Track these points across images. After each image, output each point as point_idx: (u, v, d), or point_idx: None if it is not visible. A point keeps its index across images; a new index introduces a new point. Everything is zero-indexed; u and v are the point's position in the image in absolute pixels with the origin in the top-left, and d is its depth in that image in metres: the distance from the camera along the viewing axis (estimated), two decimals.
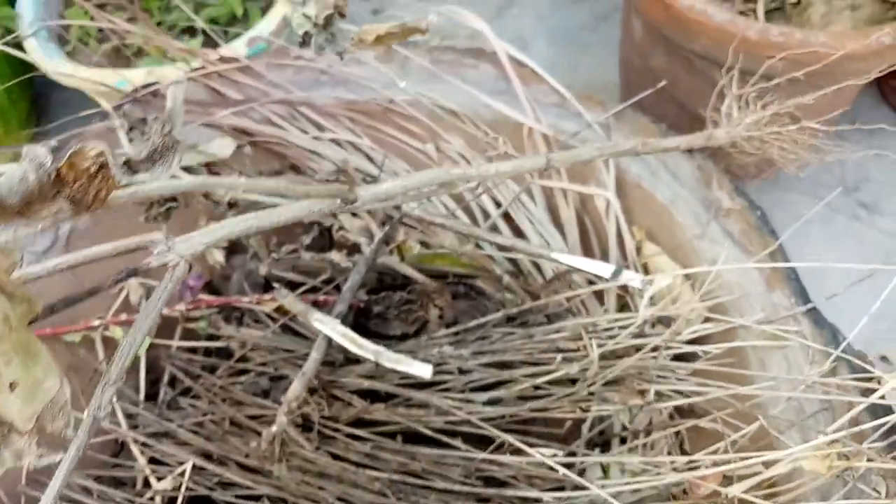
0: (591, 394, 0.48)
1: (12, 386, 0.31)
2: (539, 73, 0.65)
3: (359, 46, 0.49)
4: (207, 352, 0.67)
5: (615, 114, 0.62)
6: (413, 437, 0.54)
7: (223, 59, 0.68)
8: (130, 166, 0.30)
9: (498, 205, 0.69)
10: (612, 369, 0.47)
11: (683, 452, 0.53)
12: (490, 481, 0.50)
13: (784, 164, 0.59)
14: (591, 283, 0.64)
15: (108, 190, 0.30)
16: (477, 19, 0.66)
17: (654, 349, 0.49)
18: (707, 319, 0.53)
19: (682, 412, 0.56)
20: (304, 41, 0.49)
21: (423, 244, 0.68)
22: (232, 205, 0.61)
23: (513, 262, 0.68)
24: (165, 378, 0.66)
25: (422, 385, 0.55)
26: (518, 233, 0.68)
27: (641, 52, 0.85)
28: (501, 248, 0.66)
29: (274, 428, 0.54)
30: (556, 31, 1.18)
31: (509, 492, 0.47)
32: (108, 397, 0.36)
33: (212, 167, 0.58)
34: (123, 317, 0.65)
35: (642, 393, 0.46)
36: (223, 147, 0.56)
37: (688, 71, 0.79)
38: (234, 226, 0.39)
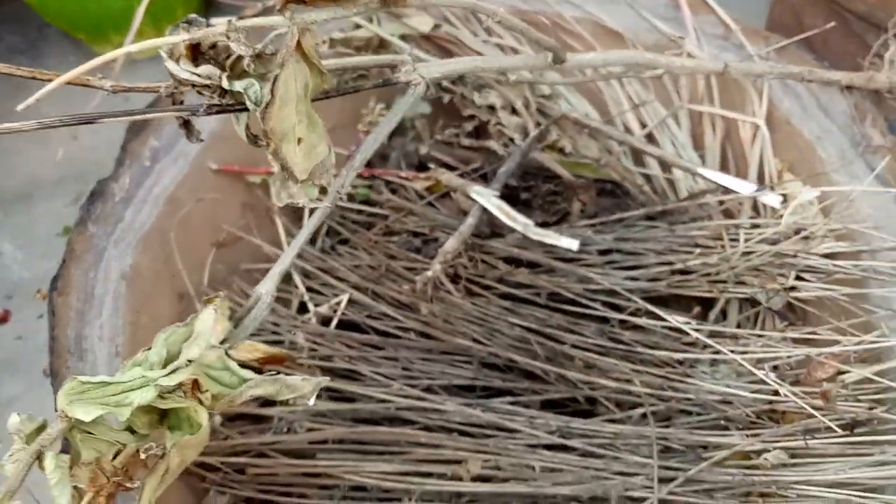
0: (727, 280, 0.53)
1: (299, 141, 0.39)
2: (709, 4, 0.69)
3: None
4: (359, 214, 0.75)
5: (778, 49, 0.65)
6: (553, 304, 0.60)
7: None
8: None
9: (643, 125, 0.74)
10: (751, 256, 0.52)
11: None
12: (618, 343, 0.56)
13: None
14: (725, 211, 0.68)
15: None
16: None
17: (793, 255, 0.54)
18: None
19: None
20: None
21: (564, 153, 0.74)
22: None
23: (648, 178, 0.73)
24: (324, 230, 0.74)
25: (565, 259, 0.61)
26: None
27: (796, 11, 0.87)
28: (637, 158, 0.71)
29: (429, 273, 0.62)
30: None
31: (640, 349, 0.53)
32: (351, 178, 0.44)
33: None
34: None
35: (781, 282, 0.51)
36: (422, 23, 0.63)
37: (843, 33, 0.81)
38: (467, 63, 0.46)
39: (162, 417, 0.35)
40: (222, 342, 0.39)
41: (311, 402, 0.38)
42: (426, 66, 0.44)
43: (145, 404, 0.32)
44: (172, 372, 0.32)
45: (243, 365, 0.37)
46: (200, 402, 0.36)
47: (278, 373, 0.38)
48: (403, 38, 0.65)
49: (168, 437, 0.34)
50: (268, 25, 0.38)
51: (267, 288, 0.42)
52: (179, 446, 0.33)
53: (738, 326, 0.64)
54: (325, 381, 0.38)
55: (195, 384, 0.36)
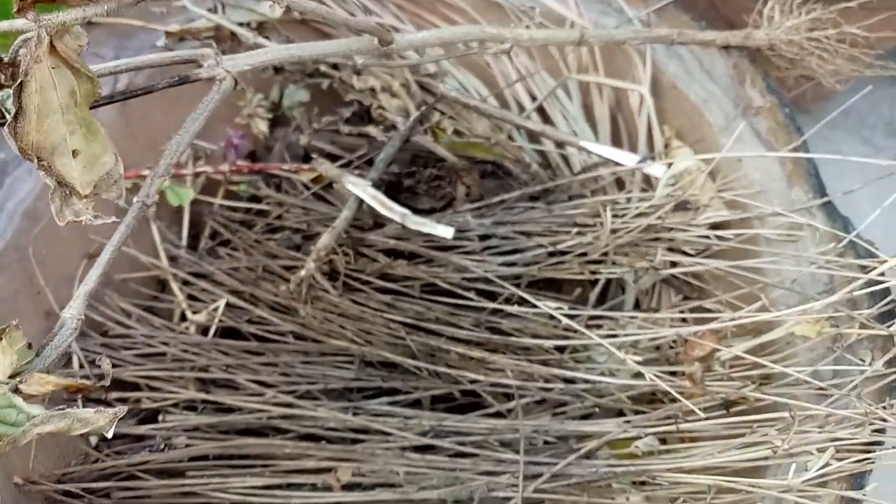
0: (604, 255, 0.50)
1: (74, 153, 0.36)
2: None
3: None
4: (246, 213, 0.72)
5: (656, 11, 0.62)
6: (433, 295, 0.57)
7: None
8: None
9: (533, 98, 0.70)
10: (622, 232, 0.49)
11: None
12: (496, 332, 0.53)
13: (822, 74, 0.60)
14: (618, 180, 0.66)
15: None
16: None
17: (670, 229, 0.51)
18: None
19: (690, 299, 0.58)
20: None
21: (457, 133, 0.71)
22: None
23: (542, 154, 0.70)
24: (206, 231, 0.70)
25: (444, 248, 0.58)
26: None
27: None
28: (531, 135, 0.68)
29: (303, 272, 0.59)
30: None
31: (513, 339, 0.50)
32: (156, 188, 0.40)
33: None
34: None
35: (650, 259, 0.49)
36: (274, 9, 0.59)
37: None
38: (277, 52, 0.42)
39: None
40: (13, 376, 0.36)
41: (110, 434, 0.35)
42: (231, 59, 0.40)
43: None
44: None
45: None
46: None
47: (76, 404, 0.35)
48: (261, 25, 0.60)
49: None
50: (13, 30, 0.33)
51: (72, 312, 0.39)
52: None
53: (637, 304, 0.62)
54: (123, 410, 0.35)
55: None
